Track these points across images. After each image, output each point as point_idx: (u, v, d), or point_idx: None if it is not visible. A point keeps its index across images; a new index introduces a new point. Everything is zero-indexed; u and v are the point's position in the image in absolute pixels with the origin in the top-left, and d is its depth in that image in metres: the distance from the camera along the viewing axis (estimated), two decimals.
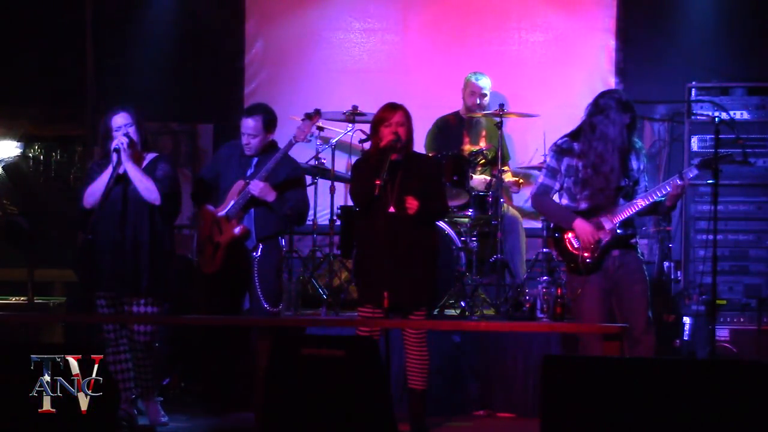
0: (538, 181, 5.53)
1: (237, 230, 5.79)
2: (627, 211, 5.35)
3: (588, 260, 5.36)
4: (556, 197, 5.49)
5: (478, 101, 7.29)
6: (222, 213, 5.84)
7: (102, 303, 5.72)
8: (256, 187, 5.72)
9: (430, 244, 5.60)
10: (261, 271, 5.78)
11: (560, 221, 5.47)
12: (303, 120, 5.84)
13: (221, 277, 5.88)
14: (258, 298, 5.77)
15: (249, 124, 5.83)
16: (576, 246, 5.39)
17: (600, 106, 5.34)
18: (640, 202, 5.34)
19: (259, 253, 5.79)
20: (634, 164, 5.41)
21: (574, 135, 5.44)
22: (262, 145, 5.84)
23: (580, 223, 5.35)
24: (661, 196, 5.34)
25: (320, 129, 7.26)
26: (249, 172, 5.89)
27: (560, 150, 5.44)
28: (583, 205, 5.39)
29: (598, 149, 5.29)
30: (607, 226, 5.34)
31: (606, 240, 5.34)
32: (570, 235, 5.40)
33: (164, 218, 5.74)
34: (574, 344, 5.78)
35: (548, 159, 5.53)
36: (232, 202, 5.81)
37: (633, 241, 5.42)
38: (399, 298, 5.39)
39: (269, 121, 5.86)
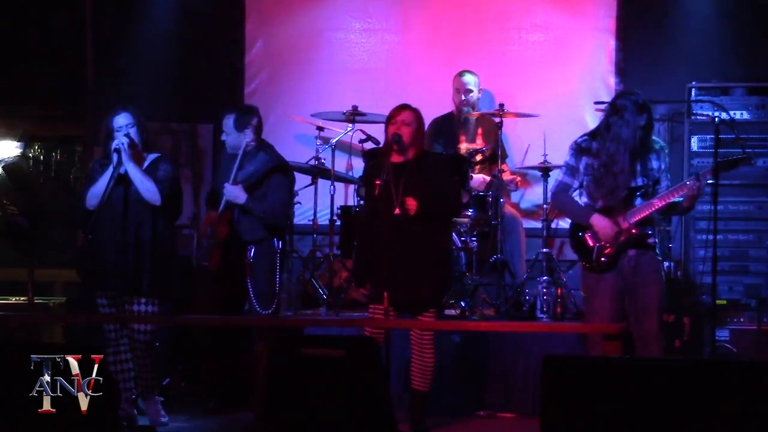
0: (557, 179, 5.57)
1: (226, 232, 5.85)
2: (643, 211, 5.36)
3: (603, 259, 5.37)
4: (576, 196, 5.52)
5: (463, 97, 7.30)
6: (218, 215, 5.90)
7: (103, 302, 5.73)
8: (227, 189, 5.77)
9: (440, 244, 5.58)
10: (253, 273, 5.80)
11: (578, 218, 5.50)
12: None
13: (220, 276, 5.92)
14: (250, 299, 5.79)
15: (225, 121, 5.97)
16: (592, 244, 5.40)
17: (617, 106, 5.37)
18: (657, 203, 5.36)
19: (251, 255, 5.81)
20: (654, 164, 5.43)
21: (593, 134, 5.48)
22: (234, 143, 5.90)
23: (597, 218, 5.38)
24: (678, 197, 5.35)
25: (320, 129, 7.26)
26: (232, 174, 5.96)
27: (579, 148, 5.47)
28: (600, 204, 5.42)
29: (610, 150, 5.33)
30: (623, 225, 5.35)
31: (622, 238, 5.34)
32: (589, 232, 5.42)
33: (165, 219, 5.75)
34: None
35: (568, 157, 5.54)
36: (222, 205, 5.88)
37: (651, 241, 5.43)
38: (407, 298, 5.39)
39: (238, 120, 5.92)
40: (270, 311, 5.80)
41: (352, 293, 6.73)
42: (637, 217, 5.35)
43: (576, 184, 5.48)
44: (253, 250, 5.81)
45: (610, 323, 5.24)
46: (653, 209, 5.36)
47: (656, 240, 5.50)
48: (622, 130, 5.31)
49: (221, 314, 6.01)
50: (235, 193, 5.78)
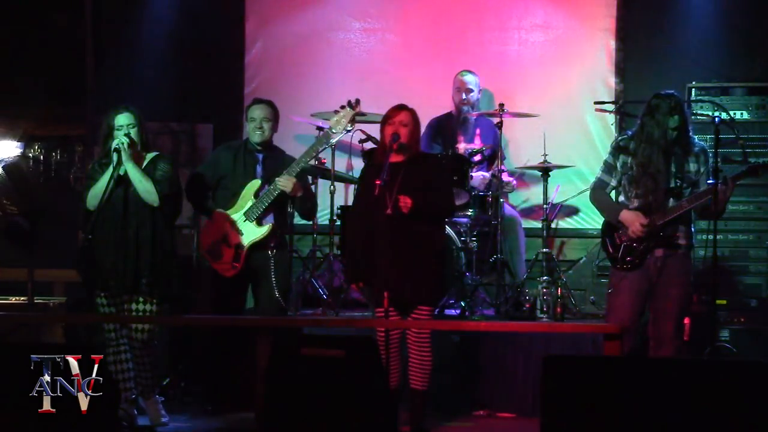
0: (596, 176, 5.64)
1: (264, 230, 5.81)
2: (672, 213, 5.38)
3: (629, 258, 5.41)
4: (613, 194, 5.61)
5: (464, 96, 7.31)
6: (239, 215, 5.86)
7: (103, 302, 5.73)
8: (288, 183, 5.75)
9: (434, 243, 5.58)
10: (277, 269, 5.81)
11: (609, 215, 5.57)
12: (342, 108, 5.91)
13: (242, 279, 5.91)
14: (274, 296, 5.78)
15: (263, 108, 5.97)
16: (621, 242, 5.45)
17: (650, 106, 5.44)
18: (685, 204, 5.38)
19: (275, 252, 5.83)
20: (692, 167, 5.45)
21: (634, 134, 5.52)
22: (272, 133, 5.91)
23: (626, 214, 5.43)
24: (707, 200, 5.35)
25: (320, 129, 7.26)
26: (259, 171, 5.93)
27: (618, 147, 5.54)
28: (634, 204, 5.45)
29: (645, 151, 5.38)
30: (652, 225, 5.38)
31: (650, 238, 5.37)
32: (620, 231, 5.47)
33: (165, 219, 5.76)
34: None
35: (607, 155, 5.62)
36: (249, 203, 5.85)
37: (682, 242, 5.44)
38: (401, 296, 5.39)
39: (277, 110, 6.00)
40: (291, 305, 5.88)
41: (352, 293, 6.73)
42: (666, 219, 5.37)
43: (613, 182, 5.55)
44: (275, 244, 5.84)
45: (627, 322, 5.28)
46: (681, 211, 5.38)
47: (691, 242, 5.52)
48: (654, 130, 5.36)
49: (243, 312, 6.01)
50: (296, 187, 5.79)
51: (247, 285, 5.97)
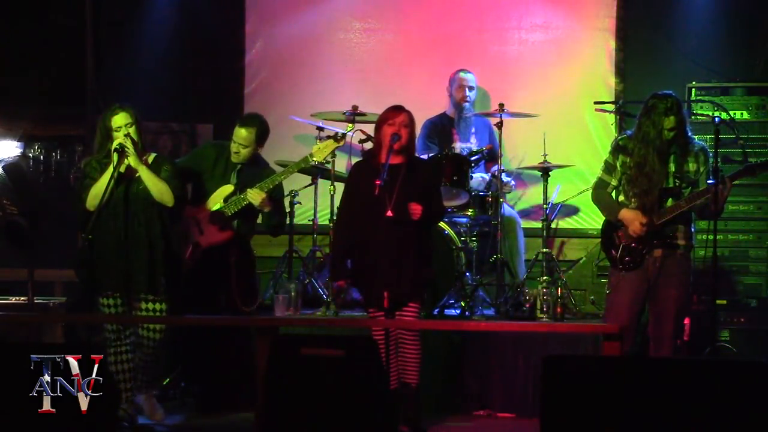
0: (597, 176, 5.67)
1: (224, 236, 5.85)
2: (670, 213, 5.38)
3: (627, 258, 5.43)
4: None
5: (466, 93, 7.31)
6: (205, 214, 5.90)
7: (108, 303, 5.70)
8: (258, 197, 5.80)
9: (425, 243, 5.61)
10: (239, 272, 5.83)
11: (609, 214, 5.58)
12: (326, 138, 5.95)
13: (195, 276, 5.93)
14: (233, 298, 5.82)
15: (242, 134, 6.01)
16: (619, 243, 5.46)
17: (647, 107, 5.45)
18: (683, 204, 5.38)
19: (235, 255, 5.86)
20: (692, 167, 5.45)
21: (633, 134, 5.53)
22: (251, 155, 5.94)
23: (626, 213, 5.45)
24: (705, 199, 5.35)
25: (320, 129, 7.27)
26: (234, 178, 5.99)
27: (617, 147, 5.56)
28: (633, 204, 5.46)
29: (641, 150, 5.39)
30: (651, 226, 5.38)
31: (648, 239, 5.37)
32: (620, 231, 5.48)
33: (171, 218, 5.76)
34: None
35: (608, 155, 5.64)
36: (217, 206, 5.90)
37: (681, 242, 5.45)
38: (397, 295, 5.40)
39: (261, 133, 6.03)
40: (253, 308, 5.86)
41: (352, 293, 6.73)
42: (664, 218, 5.37)
43: (614, 181, 5.57)
44: (236, 249, 5.86)
45: (626, 322, 5.28)
46: (678, 211, 5.38)
47: (690, 242, 5.52)
48: (650, 130, 5.36)
49: (200, 311, 6.02)
50: (265, 202, 5.87)
51: (209, 285, 5.99)
